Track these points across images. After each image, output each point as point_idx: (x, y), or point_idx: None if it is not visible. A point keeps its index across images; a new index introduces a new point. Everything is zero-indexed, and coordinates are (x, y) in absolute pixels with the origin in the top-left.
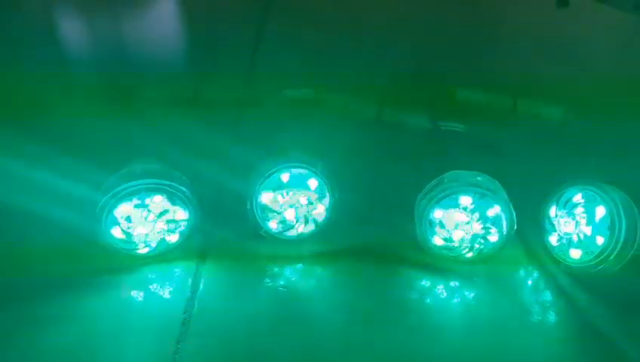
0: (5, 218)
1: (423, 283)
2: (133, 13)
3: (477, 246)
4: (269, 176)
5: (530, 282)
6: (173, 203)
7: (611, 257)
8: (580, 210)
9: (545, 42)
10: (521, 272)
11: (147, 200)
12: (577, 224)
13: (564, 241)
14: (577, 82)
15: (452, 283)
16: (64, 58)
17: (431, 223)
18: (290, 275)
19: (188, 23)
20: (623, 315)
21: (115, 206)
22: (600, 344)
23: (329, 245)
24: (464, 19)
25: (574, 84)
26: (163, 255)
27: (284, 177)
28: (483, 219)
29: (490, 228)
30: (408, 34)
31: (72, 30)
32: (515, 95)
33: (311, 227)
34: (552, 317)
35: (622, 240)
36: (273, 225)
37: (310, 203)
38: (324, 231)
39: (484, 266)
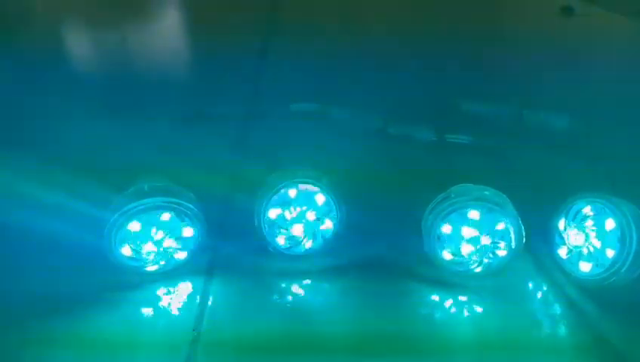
0: (13, 237)
1: (432, 297)
2: (138, 29)
3: (486, 260)
4: (276, 192)
5: (539, 295)
6: (182, 220)
7: (622, 270)
8: (589, 222)
9: (551, 51)
10: (531, 286)
11: (156, 218)
12: (587, 237)
13: (574, 254)
14: (585, 91)
15: (461, 298)
16: (69, 73)
17: (439, 238)
18: (298, 291)
19: (193, 39)
20: (635, 329)
21: (124, 224)
22: (611, 358)
23: (337, 260)
24: (469, 30)
25: (582, 93)
26: (171, 272)
27: (292, 193)
28: (491, 233)
29: (498, 242)
30: (414, 46)
31: (79, 48)
32: (521, 105)
33: (319, 242)
34: (562, 330)
35: (633, 252)
36: (281, 241)
37: (318, 218)
38: (331, 246)
39: (493, 280)
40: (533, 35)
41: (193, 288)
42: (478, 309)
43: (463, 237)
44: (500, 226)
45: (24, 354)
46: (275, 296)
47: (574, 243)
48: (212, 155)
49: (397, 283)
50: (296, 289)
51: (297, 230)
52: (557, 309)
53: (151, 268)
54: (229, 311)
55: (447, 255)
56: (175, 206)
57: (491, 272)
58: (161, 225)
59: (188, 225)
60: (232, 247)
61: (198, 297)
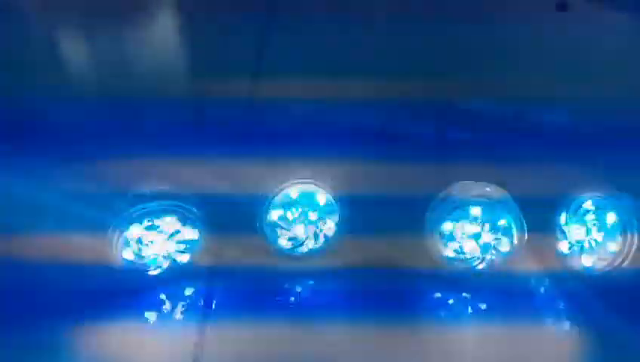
0: (14, 240)
1: (436, 295)
2: (135, 35)
3: (488, 256)
4: (277, 193)
5: (542, 290)
6: (184, 223)
7: (624, 263)
8: (590, 216)
9: (551, 46)
10: (533, 281)
11: (158, 222)
12: (589, 231)
13: (576, 248)
14: (585, 86)
15: (464, 295)
16: (68, 77)
17: (441, 235)
18: (302, 292)
19: (190, 41)
20: (638, 321)
21: (126, 228)
22: (615, 350)
23: (339, 260)
24: (466, 27)
25: (582, 88)
26: (174, 276)
27: (293, 193)
28: (493, 229)
29: (500, 238)
30: (411, 43)
31: (75, 50)
32: (521, 102)
33: (321, 242)
34: (565, 324)
35: (634, 245)
36: (283, 241)
37: (319, 218)
38: (334, 246)
39: (496, 276)
40: (531, 30)
41: (196, 290)
42: (482, 305)
43: (465, 234)
44: (502, 222)
45: (28, 359)
46: (279, 297)
47: (576, 238)
48: (213, 158)
49: (400, 281)
50: (299, 289)
51: (299, 230)
52: (560, 303)
53: (154, 271)
54: (233, 313)
55: (449, 252)
56: (177, 209)
57: (494, 268)
58: (163, 229)
59: (190, 227)
60: (235, 249)
61: (201, 300)
